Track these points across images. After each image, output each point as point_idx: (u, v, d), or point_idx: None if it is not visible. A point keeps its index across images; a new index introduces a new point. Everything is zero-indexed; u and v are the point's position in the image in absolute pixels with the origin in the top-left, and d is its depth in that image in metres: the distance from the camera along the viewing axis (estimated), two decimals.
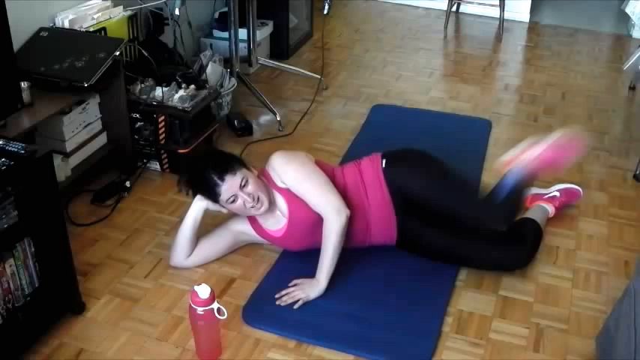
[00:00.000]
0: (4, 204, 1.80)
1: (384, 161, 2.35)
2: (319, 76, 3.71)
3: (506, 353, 2.07)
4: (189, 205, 2.32)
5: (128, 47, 2.96)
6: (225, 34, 3.58)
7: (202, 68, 3.28)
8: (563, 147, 2.35)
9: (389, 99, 3.70)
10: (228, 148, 3.01)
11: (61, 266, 2.07)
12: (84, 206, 2.69)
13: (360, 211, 2.29)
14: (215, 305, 1.93)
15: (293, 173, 2.28)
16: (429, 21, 4.96)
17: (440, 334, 2.12)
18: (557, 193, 2.66)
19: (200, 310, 1.92)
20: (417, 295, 2.26)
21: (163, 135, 2.85)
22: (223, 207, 2.27)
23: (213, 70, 3.29)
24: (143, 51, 2.87)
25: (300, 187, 2.27)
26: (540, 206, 2.60)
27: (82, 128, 2.71)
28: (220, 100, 3.31)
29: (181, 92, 2.90)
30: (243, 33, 3.64)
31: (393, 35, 4.67)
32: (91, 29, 2.76)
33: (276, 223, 2.34)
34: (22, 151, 1.85)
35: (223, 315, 1.94)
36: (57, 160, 2.53)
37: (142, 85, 2.89)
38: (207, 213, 2.31)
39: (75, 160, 2.70)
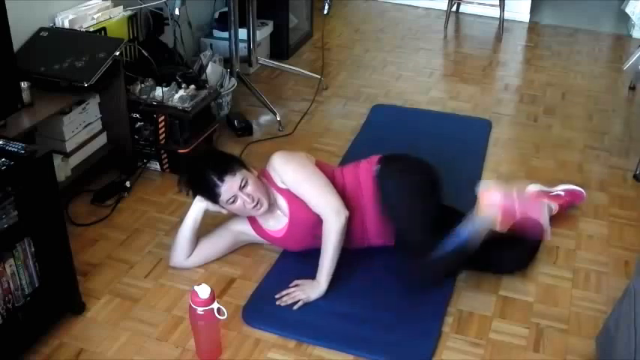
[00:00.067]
0: (4, 204, 1.80)
1: (378, 166, 2.33)
2: (319, 76, 3.71)
3: (506, 353, 2.07)
4: (189, 205, 2.33)
5: (128, 47, 2.96)
6: (225, 34, 3.58)
7: (202, 68, 3.28)
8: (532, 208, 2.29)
9: (389, 99, 3.70)
10: (228, 148, 3.02)
11: (61, 266, 2.07)
12: (84, 206, 2.69)
13: (357, 212, 2.28)
14: (215, 305, 1.93)
15: (293, 174, 2.28)
16: (429, 21, 4.96)
17: (440, 334, 2.12)
18: (562, 193, 2.66)
19: (200, 310, 1.92)
20: (417, 295, 2.26)
21: (163, 135, 2.85)
22: (223, 208, 2.27)
23: (213, 70, 3.29)
24: (143, 51, 2.87)
25: (299, 188, 2.27)
26: (544, 204, 2.57)
27: (82, 128, 2.71)
28: (220, 100, 3.31)
29: (181, 92, 2.90)
30: (243, 33, 3.64)
31: (393, 35, 4.67)
32: (91, 29, 2.76)
33: (277, 223, 2.34)
34: (22, 151, 1.85)
35: (223, 315, 1.94)
36: (57, 160, 2.53)
37: (142, 85, 2.89)
38: (207, 213, 2.31)
39: (75, 160, 2.70)
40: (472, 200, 2.76)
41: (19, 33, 2.50)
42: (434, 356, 2.05)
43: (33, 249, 1.95)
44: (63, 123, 2.59)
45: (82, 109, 2.69)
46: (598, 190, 2.88)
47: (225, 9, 3.66)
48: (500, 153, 3.19)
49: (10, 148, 1.86)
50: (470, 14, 5.05)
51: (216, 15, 3.92)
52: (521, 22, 4.95)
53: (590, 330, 2.14)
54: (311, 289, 2.21)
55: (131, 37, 3.02)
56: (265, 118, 3.44)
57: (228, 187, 2.19)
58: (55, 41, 2.62)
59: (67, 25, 2.71)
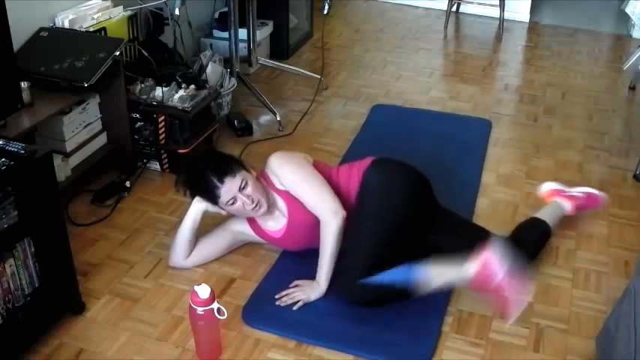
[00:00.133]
0: (4, 204, 1.80)
1: (368, 167, 2.30)
2: (319, 76, 3.71)
3: (506, 353, 2.07)
4: (189, 205, 2.32)
5: (128, 47, 2.96)
6: (225, 34, 3.58)
7: (202, 68, 3.28)
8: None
9: (389, 99, 3.70)
10: (228, 148, 3.02)
11: (61, 266, 2.07)
12: (84, 206, 2.69)
13: (349, 213, 2.25)
14: (215, 305, 1.93)
15: (290, 175, 2.28)
16: (429, 21, 4.96)
17: (440, 334, 2.12)
18: (580, 194, 2.61)
19: (200, 310, 1.92)
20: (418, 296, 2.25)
21: (163, 135, 2.85)
22: (222, 209, 2.27)
23: (213, 70, 3.29)
24: (143, 51, 2.87)
25: (297, 189, 2.27)
26: (557, 202, 2.57)
27: (82, 128, 2.71)
28: (220, 100, 3.31)
29: (181, 92, 2.90)
30: (243, 33, 3.64)
31: (393, 35, 4.67)
32: (91, 29, 2.76)
33: (276, 224, 2.34)
34: (22, 151, 1.85)
35: (223, 315, 1.94)
36: (57, 160, 2.53)
37: (142, 85, 2.89)
38: (206, 214, 2.31)
39: (75, 160, 2.70)
40: (471, 200, 2.78)
41: (19, 33, 2.50)
42: (434, 356, 2.05)
43: (33, 249, 1.95)
44: (63, 123, 2.59)
45: (82, 109, 2.69)
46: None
47: (225, 9, 3.66)
48: (500, 153, 3.19)
49: (10, 148, 1.86)
50: (470, 14, 5.05)
51: (216, 15, 3.92)
52: (521, 22, 4.95)
53: (590, 330, 2.14)
54: (311, 290, 2.21)
55: (131, 37, 3.02)
56: (265, 118, 3.44)
57: (228, 188, 2.19)
58: (55, 41, 2.62)
59: (67, 25, 2.71)
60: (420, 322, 2.15)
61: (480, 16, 4.99)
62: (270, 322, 2.14)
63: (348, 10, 5.14)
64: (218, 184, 2.19)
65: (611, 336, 1.84)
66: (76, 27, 2.72)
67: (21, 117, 2.26)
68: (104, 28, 2.82)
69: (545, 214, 2.52)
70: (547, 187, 2.67)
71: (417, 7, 5.19)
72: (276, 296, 2.22)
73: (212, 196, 2.22)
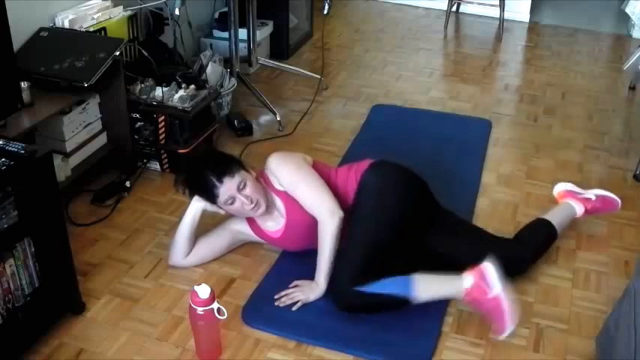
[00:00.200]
0: (4, 204, 1.80)
1: (366, 171, 2.30)
2: (319, 76, 3.71)
3: (506, 353, 2.07)
4: (188, 205, 2.32)
5: (128, 47, 2.96)
6: (225, 34, 3.58)
7: (202, 68, 3.28)
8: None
9: (389, 99, 3.70)
10: (228, 148, 3.02)
11: (61, 266, 2.07)
12: (84, 206, 2.69)
13: (347, 214, 2.25)
14: (215, 305, 1.93)
15: (288, 175, 2.28)
16: (429, 21, 4.96)
17: (440, 334, 2.12)
18: (593, 197, 2.57)
19: (200, 310, 1.92)
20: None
21: (163, 135, 2.85)
22: (221, 208, 2.27)
23: (213, 70, 3.29)
24: (143, 51, 2.87)
25: (295, 190, 2.27)
26: (569, 204, 2.55)
27: (82, 128, 2.71)
28: (220, 100, 3.31)
29: (181, 92, 2.90)
30: (243, 33, 3.64)
31: (393, 35, 4.67)
32: (91, 29, 2.76)
33: (275, 224, 2.34)
34: (22, 151, 1.85)
35: (223, 315, 1.94)
36: (57, 160, 2.53)
37: (142, 85, 2.89)
38: (205, 213, 2.31)
39: (75, 160, 2.70)
40: (471, 200, 2.78)
41: (19, 33, 2.50)
42: (434, 356, 2.05)
43: (33, 249, 1.95)
44: (63, 123, 2.59)
45: (82, 109, 2.69)
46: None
47: (225, 9, 3.66)
48: (500, 153, 3.19)
49: (10, 148, 1.86)
50: (470, 14, 5.05)
51: (216, 15, 3.92)
52: (521, 22, 4.95)
53: (590, 330, 2.14)
54: (310, 290, 2.21)
55: (131, 37, 3.02)
56: (265, 118, 3.44)
57: (227, 188, 2.20)
58: (55, 41, 2.62)
59: (67, 25, 2.71)
60: (420, 322, 2.15)
61: (480, 16, 4.99)
62: (270, 322, 2.14)
63: (348, 10, 5.14)
64: (217, 183, 2.19)
65: (611, 336, 1.84)
66: (76, 27, 2.72)
67: (21, 117, 2.26)
68: (104, 28, 2.82)
69: (554, 216, 2.49)
70: (560, 187, 2.65)
71: (417, 7, 5.19)
72: (276, 296, 2.22)
73: (211, 196, 2.22)
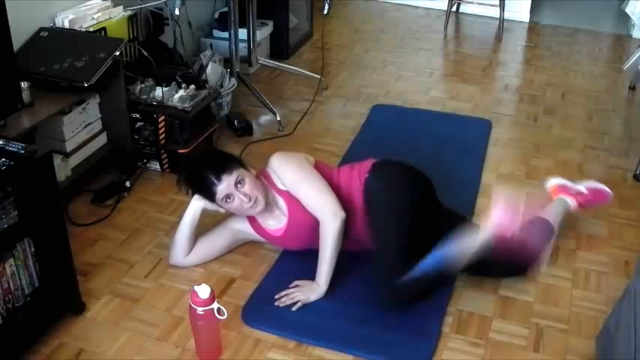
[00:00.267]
0: (4, 204, 1.80)
1: (368, 175, 2.30)
2: (319, 76, 3.71)
3: (506, 353, 2.07)
4: (189, 204, 2.32)
5: (128, 47, 2.96)
6: (225, 34, 3.58)
7: (202, 68, 3.28)
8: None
9: (389, 99, 3.70)
10: (228, 148, 3.01)
11: (61, 266, 2.07)
12: (84, 206, 2.69)
13: (350, 214, 2.25)
14: (215, 305, 1.93)
15: (290, 175, 2.28)
16: (429, 21, 4.96)
17: (440, 334, 2.12)
18: (585, 190, 2.59)
19: (200, 310, 1.92)
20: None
21: (163, 135, 2.85)
22: (221, 206, 2.27)
23: (213, 70, 3.29)
24: (143, 51, 2.87)
25: (297, 189, 2.27)
26: (562, 200, 2.56)
27: (82, 128, 2.71)
28: (220, 100, 3.31)
29: (181, 92, 2.90)
30: (243, 33, 3.64)
31: (393, 35, 4.67)
32: (91, 29, 2.76)
33: (276, 222, 2.34)
34: (22, 151, 1.85)
35: (223, 315, 1.94)
36: (57, 160, 2.53)
37: (142, 85, 2.89)
38: (205, 212, 2.31)
39: (75, 160, 2.70)
40: (471, 200, 2.78)
41: (19, 33, 2.50)
42: (434, 356, 2.05)
43: (33, 249, 1.95)
44: (63, 123, 2.59)
45: (82, 109, 2.69)
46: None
47: (225, 9, 3.66)
48: (500, 153, 3.19)
49: (10, 148, 1.86)
50: (470, 14, 5.05)
51: (216, 15, 3.92)
52: (521, 22, 4.95)
53: (590, 330, 2.14)
54: (310, 291, 2.21)
55: (131, 37, 3.02)
56: (265, 118, 3.44)
57: (225, 185, 2.20)
58: (55, 41, 2.62)
59: (67, 25, 2.71)
60: (420, 322, 2.15)
61: (480, 16, 4.99)
62: (270, 322, 2.14)
63: (348, 10, 5.15)
64: (215, 181, 2.19)
65: (611, 336, 1.84)
66: (76, 27, 2.72)
67: (21, 117, 2.26)
68: (104, 28, 2.82)
69: (550, 214, 2.50)
70: (552, 182, 2.65)
71: (417, 7, 5.19)
72: (276, 297, 2.22)
73: (210, 194, 2.23)
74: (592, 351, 2.04)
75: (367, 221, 2.23)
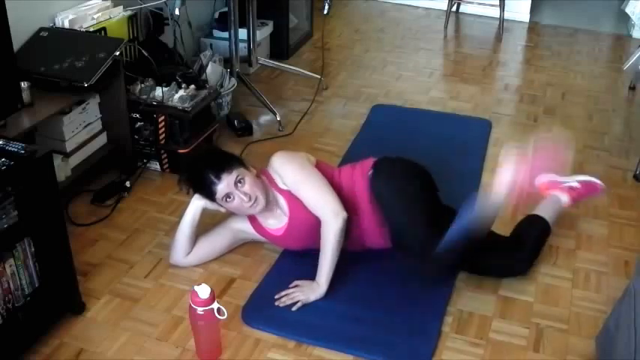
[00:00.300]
0: (4, 204, 1.80)
1: (372, 170, 2.32)
2: (319, 76, 3.71)
3: (506, 353, 2.07)
4: (189, 204, 2.32)
5: (128, 47, 2.96)
6: (225, 34, 3.58)
7: (202, 68, 3.29)
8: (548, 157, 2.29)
9: (389, 99, 3.70)
10: (228, 148, 3.00)
11: (61, 266, 2.07)
12: (84, 206, 2.69)
13: (352, 214, 2.26)
14: (215, 305, 1.93)
15: (292, 175, 2.29)
16: (429, 21, 4.96)
17: (440, 334, 2.12)
18: (577, 184, 2.58)
19: (200, 310, 1.92)
20: (417, 295, 2.26)
21: (163, 135, 2.85)
22: (221, 206, 2.27)
23: (213, 70, 3.29)
24: (143, 51, 2.87)
25: (298, 189, 2.27)
26: (555, 196, 2.56)
27: (82, 128, 2.71)
28: (220, 100, 3.31)
29: (181, 92, 2.90)
30: (243, 33, 3.64)
31: (393, 35, 4.67)
32: (91, 29, 2.76)
33: (277, 222, 2.34)
34: (22, 151, 1.85)
35: (223, 315, 1.94)
36: (57, 160, 2.53)
37: (142, 85, 2.89)
38: (206, 212, 2.31)
39: (75, 160, 2.70)
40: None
41: (19, 33, 2.50)
42: (434, 356, 2.05)
43: (33, 249, 1.95)
44: (63, 123, 2.59)
45: (82, 109, 2.69)
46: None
47: (225, 9, 3.66)
48: (500, 153, 3.18)
49: (10, 148, 1.86)
50: (470, 14, 5.05)
51: (216, 15, 3.92)
52: (521, 22, 4.95)
53: (590, 330, 2.14)
54: (310, 291, 2.21)
55: (131, 37, 3.02)
56: (265, 118, 3.44)
57: (225, 185, 2.20)
58: (55, 41, 2.62)
59: (67, 25, 2.71)
60: (420, 322, 2.15)
61: (480, 16, 4.99)
62: (270, 322, 2.14)
63: (348, 10, 5.15)
64: (215, 180, 2.19)
65: (611, 336, 1.84)
66: (76, 27, 2.72)
67: (21, 117, 2.26)
68: (104, 28, 2.82)
69: (544, 211, 2.51)
70: (543, 178, 2.65)
71: (417, 7, 5.19)
72: (276, 296, 2.22)
73: (210, 193, 2.23)
74: (592, 351, 2.04)
75: (379, 215, 2.26)
